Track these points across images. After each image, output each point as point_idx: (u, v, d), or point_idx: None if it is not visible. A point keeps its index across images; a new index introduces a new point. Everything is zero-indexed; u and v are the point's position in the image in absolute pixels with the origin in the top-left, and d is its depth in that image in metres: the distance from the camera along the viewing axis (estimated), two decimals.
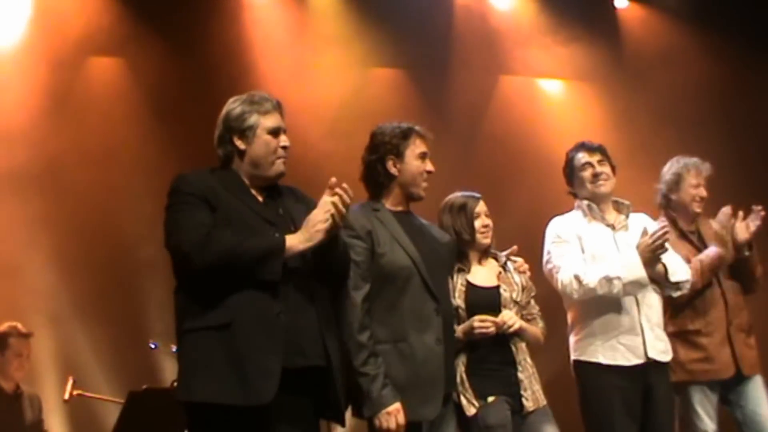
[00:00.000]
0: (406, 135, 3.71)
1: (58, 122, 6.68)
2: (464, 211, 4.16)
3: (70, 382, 5.71)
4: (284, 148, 3.28)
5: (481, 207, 4.23)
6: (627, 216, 4.31)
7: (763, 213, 4.78)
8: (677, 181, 4.80)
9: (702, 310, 4.63)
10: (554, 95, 8.97)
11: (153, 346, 5.82)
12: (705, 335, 4.60)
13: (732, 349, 4.61)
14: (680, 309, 4.63)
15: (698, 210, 4.80)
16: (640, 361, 4.10)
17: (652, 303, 4.20)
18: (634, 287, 4.08)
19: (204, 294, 3.10)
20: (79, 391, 5.75)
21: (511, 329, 3.96)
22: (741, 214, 4.79)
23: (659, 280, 4.18)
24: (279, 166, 3.29)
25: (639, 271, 4.04)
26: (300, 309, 3.15)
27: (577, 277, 4.07)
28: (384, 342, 3.52)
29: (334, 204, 3.12)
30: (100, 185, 6.66)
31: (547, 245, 4.26)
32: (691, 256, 4.62)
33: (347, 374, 3.41)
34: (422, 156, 3.71)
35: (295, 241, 3.11)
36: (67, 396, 5.69)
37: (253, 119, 3.26)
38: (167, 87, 6.95)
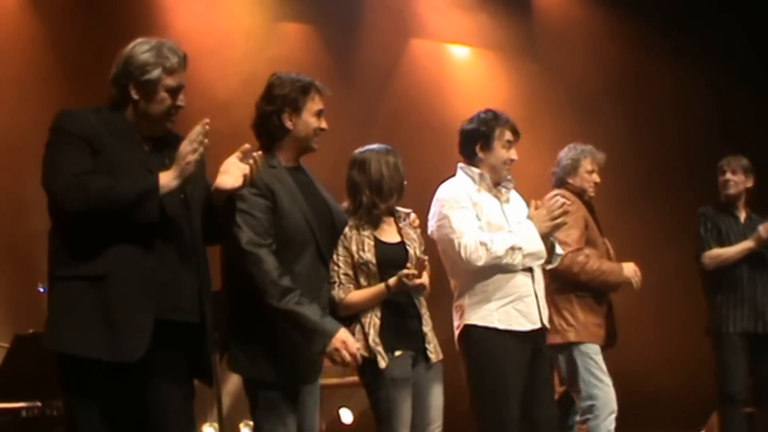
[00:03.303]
0: (305, 90, 3.63)
1: None
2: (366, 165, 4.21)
3: None
4: (177, 107, 3.17)
5: None
6: (508, 190, 4.36)
7: None
8: (575, 167, 5.06)
9: None
10: (462, 61, 9.03)
11: (42, 290, 5.70)
12: (605, 302, 4.97)
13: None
14: None
15: (592, 194, 5.08)
16: (535, 326, 4.17)
17: (539, 269, 4.28)
18: (531, 259, 4.15)
19: (79, 240, 3.00)
20: None
21: (418, 283, 3.99)
22: None
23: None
24: (168, 122, 3.18)
25: (539, 244, 4.12)
26: (179, 264, 3.09)
27: (483, 244, 4.06)
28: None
29: (250, 166, 3.08)
30: None
31: (444, 210, 4.20)
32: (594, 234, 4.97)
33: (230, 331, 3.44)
34: (319, 113, 3.66)
35: (168, 179, 3.01)
36: None
37: (155, 74, 3.09)
38: (73, 34, 6.82)
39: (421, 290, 4.01)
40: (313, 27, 8.16)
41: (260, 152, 3.22)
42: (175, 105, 3.15)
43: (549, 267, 4.42)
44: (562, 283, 4.86)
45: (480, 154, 4.29)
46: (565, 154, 5.13)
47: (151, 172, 3.05)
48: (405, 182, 4.10)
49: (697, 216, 5.41)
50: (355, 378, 4.22)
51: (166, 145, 3.20)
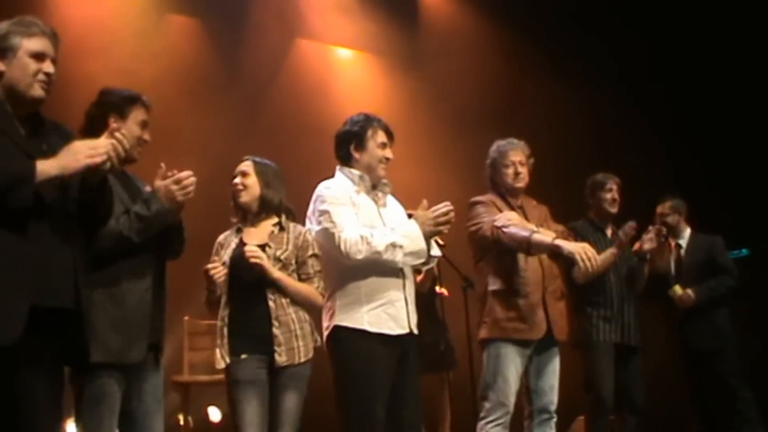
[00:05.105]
0: (133, 100, 3.71)
1: None
2: (233, 175, 4.39)
3: None
4: (47, 74, 3.15)
5: (239, 167, 4.41)
6: (386, 194, 4.41)
7: (665, 232, 5.95)
8: (500, 160, 5.04)
9: (521, 273, 4.84)
10: (346, 64, 9.09)
11: None
12: (521, 296, 4.81)
13: (546, 311, 4.84)
14: (503, 270, 4.85)
15: (518, 186, 5.02)
16: (403, 331, 4.21)
17: (410, 275, 4.32)
18: (412, 257, 4.19)
19: None
20: None
21: (252, 260, 4.14)
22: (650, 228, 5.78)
23: None
24: (37, 90, 3.13)
25: (421, 243, 4.16)
26: (54, 248, 3.05)
27: (364, 238, 4.08)
28: (99, 286, 3.42)
29: (113, 147, 3.06)
30: None
31: (323, 206, 4.21)
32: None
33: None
34: (143, 124, 3.72)
35: (47, 166, 2.97)
36: None
37: (15, 40, 3.12)
38: None
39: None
40: (199, 21, 8.08)
41: (124, 131, 3.23)
42: (42, 71, 3.13)
43: (425, 268, 4.51)
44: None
45: (355, 155, 4.33)
46: (493, 149, 5.10)
47: (30, 157, 3.01)
48: (236, 182, 4.32)
49: (567, 230, 5.53)
50: (223, 376, 4.25)
51: (44, 131, 3.17)
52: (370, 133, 4.33)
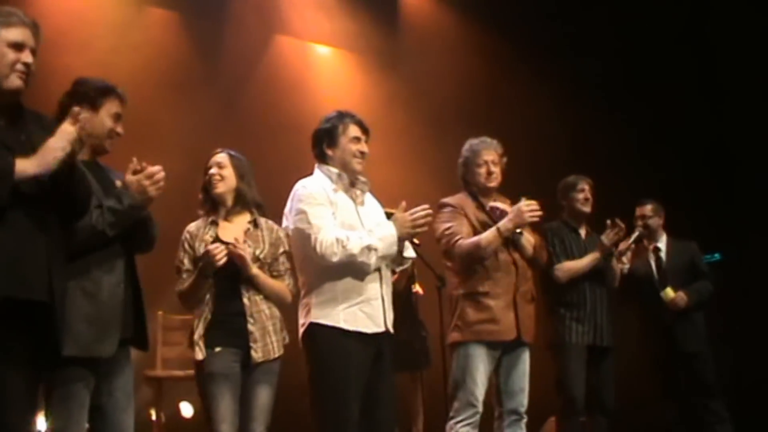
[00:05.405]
0: (105, 92, 3.67)
1: None
2: (207, 166, 4.38)
3: None
4: (26, 64, 3.12)
5: (215, 158, 4.42)
6: (364, 192, 4.39)
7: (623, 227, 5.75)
8: (473, 159, 5.05)
9: (493, 274, 4.87)
10: (325, 61, 9.07)
11: None
12: (492, 297, 4.83)
13: (516, 314, 4.86)
14: (473, 272, 4.88)
15: (491, 185, 5.04)
16: (379, 329, 4.20)
17: (387, 274, 4.32)
18: (384, 261, 4.20)
19: None
20: None
21: (235, 252, 4.16)
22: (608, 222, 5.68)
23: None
24: (15, 80, 3.10)
25: (394, 247, 4.17)
26: (28, 239, 3.02)
27: (339, 241, 4.07)
28: (70, 279, 3.37)
29: (75, 133, 3.04)
30: None
31: (300, 205, 4.18)
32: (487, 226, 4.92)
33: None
34: (116, 117, 3.68)
35: (26, 165, 2.95)
36: None
37: None
38: None
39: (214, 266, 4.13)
40: (178, 14, 8.04)
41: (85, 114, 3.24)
42: (20, 61, 3.10)
43: (399, 269, 4.51)
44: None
45: (328, 152, 4.33)
46: (466, 148, 5.13)
47: (8, 148, 2.99)
48: (244, 187, 4.34)
49: (542, 231, 5.57)
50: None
51: (23, 121, 3.15)
52: (341, 128, 4.32)
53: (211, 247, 4.15)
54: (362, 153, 4.33)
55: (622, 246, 5.94)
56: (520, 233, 4.96)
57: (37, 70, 3.19)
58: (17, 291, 2.98)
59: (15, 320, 3.01)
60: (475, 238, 4.87)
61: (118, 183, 3.62)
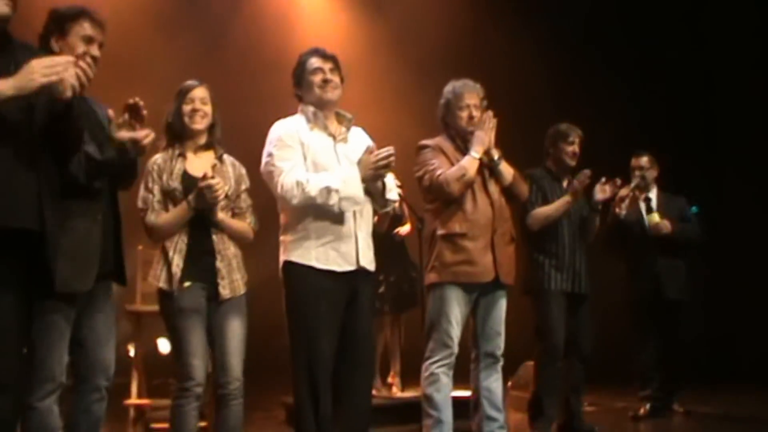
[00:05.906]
0: (73, 17, 3.57)
1: None
2: (180, 95, 4.29)
3: None
4: None
5: (196, 92, 4.31)
6: (348, 129, 4.38)
7: (619, 183, 5.77)
8: (455, 102, 5.01)
9: (470, 216, 4.86)
10: (308, 4, 9.02)
11: None
12: (470, 239, 4.83)
13: (494, 255, 4.86)
14: (451, 213, 4.87)
15: (471, 129, 4.97)
16: (351, 267, 4.19)
17: (365, 213, 4.30)
18: (349, 203, 4.15)
19: None
20: None
21: (217, 195, 4.12)
22: (603, 179, 5.68)
23: (375, 194, 4.30)
24: (2, 7, 3.04)
25: (357, 189, 4.13)
26: (18, 169, 3.01)
27: (299, 183, 4.08)
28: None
29: (77, 74, 3.01)
30: None
31: (269, 147, 4.20)
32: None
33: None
34: (87, 39, 3.58)
35: (2, 86, 2.90)
36: None
37: None
38: None
39: (215, 202, 4.13)
40: None
41: (89, 60, 3.20)
42: None
43: (383, 211, 4.51)
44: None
45: (298, 92, 4.35)
46: (447, 90, 5.09)
47: None
48: (195, 109, 4.25)
49: (524, 177, 5.54)
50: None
51: (11, 49, 3.10)
52: (304, 65, 4.31)
53: (212, 181, 4.10)
54: (325, 81, 4.28)
55: (623, 192, 6.06)
56: (498, 160, 4.97)
57: (21, 11, 3.12)
58: (7, 219, 2.97)
59: (7, 249, 3.00)
60: (457, 165, 4.83)
61: (110, 112, 3.60)
